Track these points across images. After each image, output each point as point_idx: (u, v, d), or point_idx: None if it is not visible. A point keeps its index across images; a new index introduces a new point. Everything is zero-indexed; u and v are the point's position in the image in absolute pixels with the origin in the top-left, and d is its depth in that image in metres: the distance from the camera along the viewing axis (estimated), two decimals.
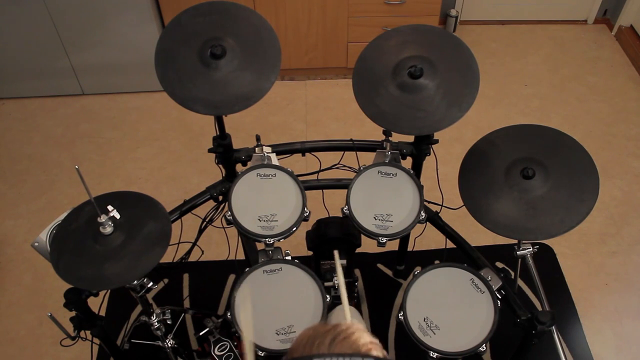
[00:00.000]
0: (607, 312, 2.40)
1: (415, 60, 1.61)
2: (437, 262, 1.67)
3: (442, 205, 2.04)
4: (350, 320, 0.95)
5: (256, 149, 1.77)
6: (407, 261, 2.45)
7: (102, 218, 1.38)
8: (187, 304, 2.41)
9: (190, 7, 1.66)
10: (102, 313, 1.77)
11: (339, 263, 1.13)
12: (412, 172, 1.69)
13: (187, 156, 3.04)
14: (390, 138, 1.77)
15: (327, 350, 0.71)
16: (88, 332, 1.69)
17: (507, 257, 2.46)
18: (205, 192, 1.88)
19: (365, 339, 0.74)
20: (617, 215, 2.75)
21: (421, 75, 1.58)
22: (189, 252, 2.02)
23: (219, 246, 2.47)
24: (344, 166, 1.97)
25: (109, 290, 2.30)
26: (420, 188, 1.66)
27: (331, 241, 1.94)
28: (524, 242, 1.61)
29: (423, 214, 1.62)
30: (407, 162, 1.83)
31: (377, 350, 0.75)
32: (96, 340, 1.74)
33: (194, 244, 1.97)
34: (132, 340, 2.00)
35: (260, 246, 1.67)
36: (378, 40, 1.70)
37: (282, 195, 1.65)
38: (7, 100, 3.36)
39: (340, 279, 1.09)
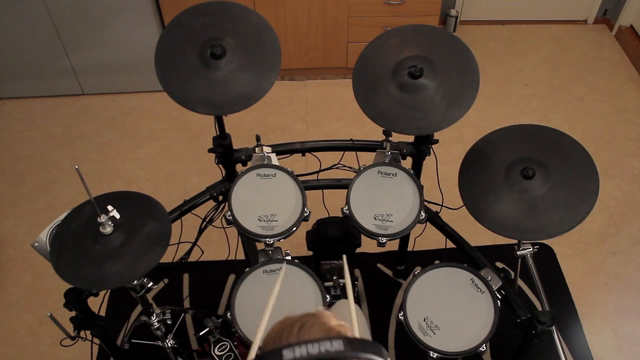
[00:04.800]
0: (607, 312, 2.40)
1: (415, 60, 1.61)
2: (437, 262, 1.67)
3: (442, 205, 2.04)
4: (356, 320, 0.95)
5: (256, 149, 1.77)
6: (407, 261, 2.45)
7: (102, 218, 1.38)
8: (187, 304, 2.41)
9: (190, 7, 1.66)
10: (102, 313, 1.77)
11: (347, 268, 1.14)
12: (412, 172, 1.69)
13: (187, 156, 3.04)
14: (390, 138, 1.77)
15: (295, 339, 0.72)
16: (88, 332, 1.69)
17: (507, 257, 2.46)
18: (205, 192, 1.88)
19: (333, 322, 0.75)
20: (617, 215, 2.75)
21: (421, 75, 1.58)
22: (189, 252, 2.02)
23: (219, 246, 2.47)
24: (344, 166, 1.97)
25: (109, 290, 2.30)
26: (420, 188, 1.66)
27: (331, 241, 1.94)
28: (524, 242, 1.61)
29: (423, 214, 1.62)
30: (407, 162, 1.83)
31: (343, 330, 0.75)
32: (96, 340, 1.74)
33: (194, 244, 1.97)
34: (132, 340, 2.00)
35: (260, 246, 1.67)
36: (378, 40, 1.70)
37: (282, 195, 1.65)
38: (7, 100, 3.36)
39: (347, 283, 1.09)
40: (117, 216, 1.39)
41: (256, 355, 0.70)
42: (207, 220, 1.95)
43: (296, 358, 0.66)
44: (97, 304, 1.74)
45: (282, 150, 1.86)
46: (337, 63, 3.38)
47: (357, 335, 0.81)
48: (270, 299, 1.01)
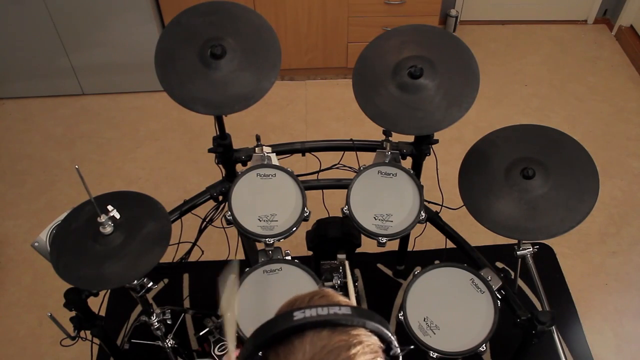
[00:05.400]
0: (607, 312, 2.40)
1: (415, 60, 1.61)
2: (437, 262, 1.67)
3: (442, 205, 2.04)
4: None
5: (256, 149, 1.77)
6: (407, 261, 2.45)
7: (102, 218, 1.38)
8: (187, 304, 2.41)
9: (190, 7, 1.66)
10: (102, 313, 1.77)
11: (349, 272, 1.14)
12: (412, 172, 1.69)
13: (187, 156, 3.04)
14: (390, 138, 1.77)
15: (305, 304, 0.75)
16: (88, 332, 1.69)
17: (507, 257, 2.46)
18: (205, 192, 1.88)
19: (341, 298, 0.79)
20: (617, 215, 2.75)
21: (421, 75, 1.58)
22: (189, 252, 2.02)
23: (219, 246, 2.47)
24: (344, 166, 1.97)
25: (109, 290, 2.30)
26: (420, 188, 1.66)
27: (331, 241, 1.94)
28: (524, 242, 1.61)
29: (423, 214, 1.62)
30: (407, 162, 1.83)
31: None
32: (96, 340, 1.74)
33: (194, 244, 1.97)
34: (132, 340, 2.00)
35: (260, 246, 1.67)
36: (378, 40, 1.70)
37: (282, 195, 1.65)
38: (7, 100, 3.36)
39: (350, 286, 1.10)
40: (117, 216, 1.39)
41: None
42: (207, 220, 1.95)
43: (306, 317, 0.70)
44: (97, 304, 1.74)
45: (282, 150, 1.86)
46: (337, 63, 3.38)
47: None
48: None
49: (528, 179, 1.53)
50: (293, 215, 1.62)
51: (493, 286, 1.56)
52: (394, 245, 2.34)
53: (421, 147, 1.82)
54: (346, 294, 2.06)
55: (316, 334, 0.70)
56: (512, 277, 1.78)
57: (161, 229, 1.44)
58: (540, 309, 1.61)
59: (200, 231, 1.95)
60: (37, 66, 3.20)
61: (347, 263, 1.24)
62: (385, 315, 2.36)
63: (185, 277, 2.51)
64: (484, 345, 1.47)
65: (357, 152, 1.88)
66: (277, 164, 1.73)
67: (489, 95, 3.36)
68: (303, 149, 1.91)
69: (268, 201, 1.64)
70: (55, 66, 3.19)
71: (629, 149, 3.06)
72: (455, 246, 1.86)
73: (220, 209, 1.95)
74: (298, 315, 0.70)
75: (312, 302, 0.77)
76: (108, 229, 1.40)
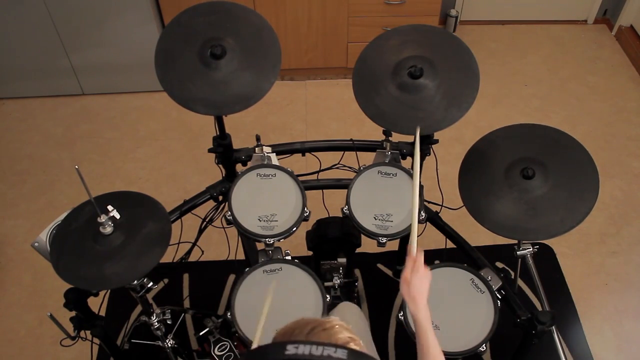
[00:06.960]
0: (607, 312, 2.40)
1: (415, 60, 1.61)
2: (437, 262, 1.67)
3: (442, 205, 2.04)
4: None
5: (256, 149, 1.77)
6: None
7: (102, 218, 1.38)
8: (187, 304, 2.41)
9: (190, 7, 1.66)
10: (102, 313, 1.77)
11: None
12: (412, 172, 1.69)
13: (187, 156, 3.04)
14: (390, 138, 1.77)
15: (303, 338, 0.72)
16: (88, 332, 1.69)
17: (507, 257, 2.45)
18: (205, 192, 1.88)
19: (344, 333, 0.75)
20: (617, 215, 2.75)
21: (421, 75, 1.58)
22: (189, 252, 2.02)
23: (219, 246, 2.47)
24: (344, 166, 1.97)
25: (109, 290, 2.30)
26: (420, 188, 1.66)
27: (331, 241, 1.94)
28: (524, 242, 1.61)
29: (423, 214, 1.62)
30: (407, 162, 1.83)
31: (354, 345, 0.75)
32: (96, 340, 1.74)
33: (194, 244, 1.98)
34: (132, 340, 2.00)
35: (260, 246, 1.67)
36: (378, 40, 1.70)
37: (282, 195, 1.65)
38: (7, 100, 3.36)
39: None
40: (117, 216, 1.39)
41: (261, 345, 0.71)
42: (207, 220, 1.95)
43: (297, 354, 0.67)
44: (97, 304, 1.74)
45: (282, 150, 1.86)
46: (337, 63, 3.38)
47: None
48: (264, 308, 1.00)
49: (528, 179, 1.53)
50: (293, 215, 1.62)
51: (493, 286, 1.56)
52: (394, 245, 2.34)
53: (421, 147, 1.82)
54: (348, 293, 2.06)
55: None
56: (512, 277, 1.78)
57: (161, 229, 1.45)
58: (540, 309, 1.61)
59: (200, 231, 1.95)
60: (37, 66, 3.20)
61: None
62: (385, 315, 2.36)
63: (185, 277, 2.51)
64: (484, 345, 1.47)
65: (357, 152, 1.88)
66: (277, 164, 1.73)
67: (489, 95, 3.36)
68: (303, 149, 1.91)
69: (268, 201, 1.64)
70: (55, 66, 3.19)
71: (629, 149, 3.06)
72: (455, 246, 1.86)
73: (220, 209, 1.95)
74: (290, 349, 0.68)
75: (312, 334, 0.73)
76: (108, 229, 1.40)
